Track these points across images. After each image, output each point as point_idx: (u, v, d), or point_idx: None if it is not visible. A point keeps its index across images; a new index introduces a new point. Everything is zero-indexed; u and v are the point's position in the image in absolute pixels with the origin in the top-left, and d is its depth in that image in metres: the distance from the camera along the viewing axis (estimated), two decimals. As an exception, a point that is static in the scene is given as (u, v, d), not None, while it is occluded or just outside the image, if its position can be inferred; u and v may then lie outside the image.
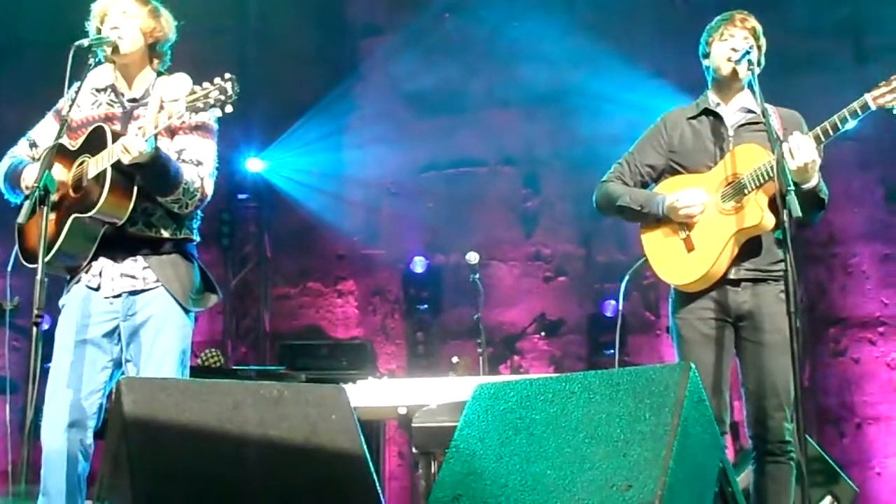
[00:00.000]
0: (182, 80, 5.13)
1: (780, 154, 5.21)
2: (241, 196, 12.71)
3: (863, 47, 11.19)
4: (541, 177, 12.40)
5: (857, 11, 11.27)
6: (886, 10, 10.90)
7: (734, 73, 5.75)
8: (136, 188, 5.14)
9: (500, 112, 12.30)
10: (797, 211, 4.97)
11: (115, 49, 5.39)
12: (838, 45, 11.23)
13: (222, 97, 4.94)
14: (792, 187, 5.05)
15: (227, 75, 4.96)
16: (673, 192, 5.78)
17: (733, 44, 5.73)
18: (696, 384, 4.23)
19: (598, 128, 11.31)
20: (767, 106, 5.51)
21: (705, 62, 5.92)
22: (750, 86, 5.65)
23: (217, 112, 5.04)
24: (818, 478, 7.39)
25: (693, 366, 4.25)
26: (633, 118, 10.44)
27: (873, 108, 5.29)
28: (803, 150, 5.29)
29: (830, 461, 7.63)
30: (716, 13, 5.97)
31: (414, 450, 6.62)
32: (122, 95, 5.52)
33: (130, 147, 4.93)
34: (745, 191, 5.53)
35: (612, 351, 10.97)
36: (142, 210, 5.28)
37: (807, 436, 5.56)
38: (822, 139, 5.36)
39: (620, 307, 8.25)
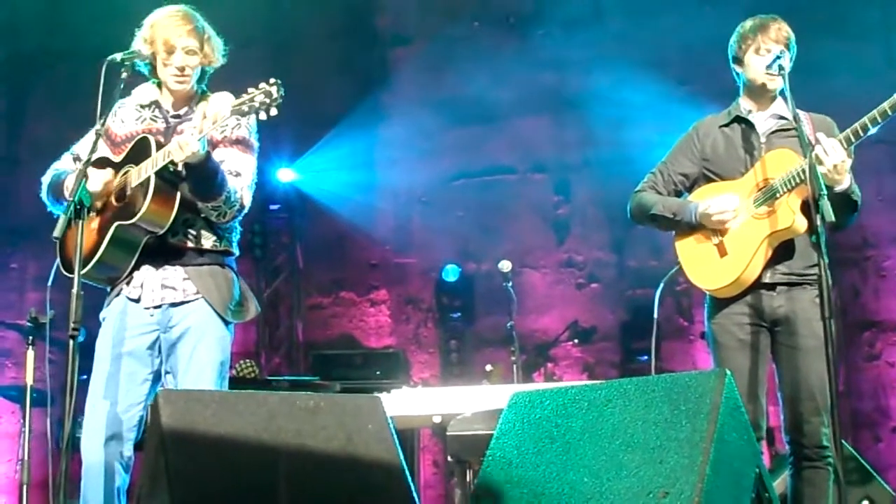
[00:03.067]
0: (225, 97, 5.17)
1: (812, 159, 5.19)
2: (272, 207, 12.71)
3: (893, 49, 11.14)
4: (572, 183, 12.40)
5: (887, 12, 11.21)
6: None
7: (771, 85, 5.75)
8: (178, 196, 5.19)
9: (530, 119, 12.30)
10: (830, 216, 4.96)
11: (173, 83, 5.47)
12: (868, 47, 11.17)
13: (267, 101, 4.98)
14: (825, 192, 5.03)
15: (272, 80, 5.02)
16: (705, 199, 5.78)
17: (771, 60, 5.68)
18: (731, 390, 4.23)
19: (628, 134, 11.33)
20: (799, 112, 5.50)
21: (737, 68, 5.89)
22: (782, 92, 5.64)
23: (262, 116, 5.06)
24: (854, 480, 7.36)
25: (729, 372, 4.26)
26: (661, 124, 10.47)
27: None
28: (832, 153, 5.27)
29: (866, 464, 7.60)
30: (742, 19, 5.94)
31: (449, 458, 6.63)
32: (167, 112, 5.56)
33: (185, 146, 4.98)
34: (777, 195, 5.51)
35: (646, 357, 10.98)
36: (182, 221, 5.33)
37: (842, 440, 5.52)
38: (853, 140, 5.34)
39: (656, 314, 8.24)
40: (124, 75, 5.34)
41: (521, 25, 12.60)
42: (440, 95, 12.24)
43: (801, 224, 5.47)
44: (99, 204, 5.28)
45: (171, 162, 5.07)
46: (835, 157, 5.28)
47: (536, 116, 12.27)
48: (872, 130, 5.32)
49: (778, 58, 5.58)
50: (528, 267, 12.08)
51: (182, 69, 5.43)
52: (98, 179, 5.26)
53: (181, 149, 4.98)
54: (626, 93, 11.42)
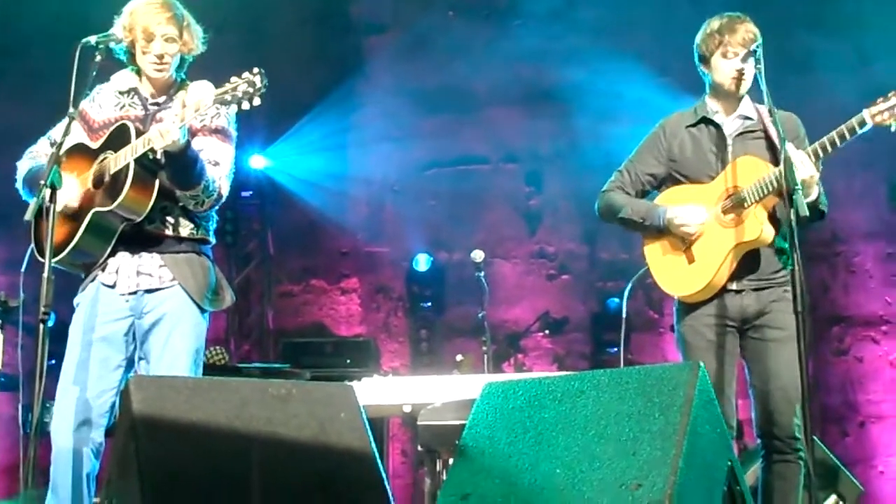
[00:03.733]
0: (205, 86, 5.14)
1: (787, 153, 5.20)
2: (244, 193, 12.64)
3: (865, 46, 11.16)
4: (544, 175, 12.41)
5: (860, 9, 11.23)
6: (889, 8, 10.88)
7: (738, 87, 5.75)
8: (157, 184, 5.18)
9: (503, 110, 12.29)
10: (804, 210, 4.98)
11: (152, 70, 5.45)
12: (840, 44, 11.19)
13: (250, 90, 4.99)
14: (799, 186, 5.05)
15: (256, 69, 5.02)
16: (673, 206, 5.81)
17: (737, 65, 5.69)
18: (705, 383, 4.25)
19: (601, 125, 11.33)
20: (763, 108, 5.59)
21: (703, 68, 5.87)
22: (755, 86, 5.63)
23: (245, 105, 5.04)
24: (823, 477, 7.38)
25: (702, 365, 4.27)
26: (636, 115, 10.44)
27: (870, 124, 5.27)
28: (801, 167, 5.28)
29: (835, 460, 7.63)
30: (722, 8, 5.93)
31: (419, 448, 6.63)
32: (146, 99, 5.54)
33: (165, 134, 4.97)
34: (745, 204, 5.56)
35: (616, 349, 11.00)
36: (160, 209, 5.31)
37: (814, 436, 5.55)
38: (821, 154, 5.36)
39: (624, 311, 8.29)
40: (98, 59, 5.30)
41: (497, 15, 12.58)
42: (414, 84, 12.23)
43: (769, 234, 5.55)
44: (77, 194, 5.24)
45: (151, 149, 5.06)
46: (803, 172, 5.28)
47: (510, 107, 12.26)
48: (840, 146, 5.33)
49: (755, 51, 5.56)
50: (499, 257, 12.07)
51: (161, 57, 5.41)
52: (67, 197, 5.22)
53: (162, 136, 4.97)
54: (602, 84, 11.42)
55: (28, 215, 4.92)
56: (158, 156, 5.12)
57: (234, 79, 5.01)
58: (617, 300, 11.45)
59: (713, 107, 5.88)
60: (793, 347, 5.15)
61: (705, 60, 5.83)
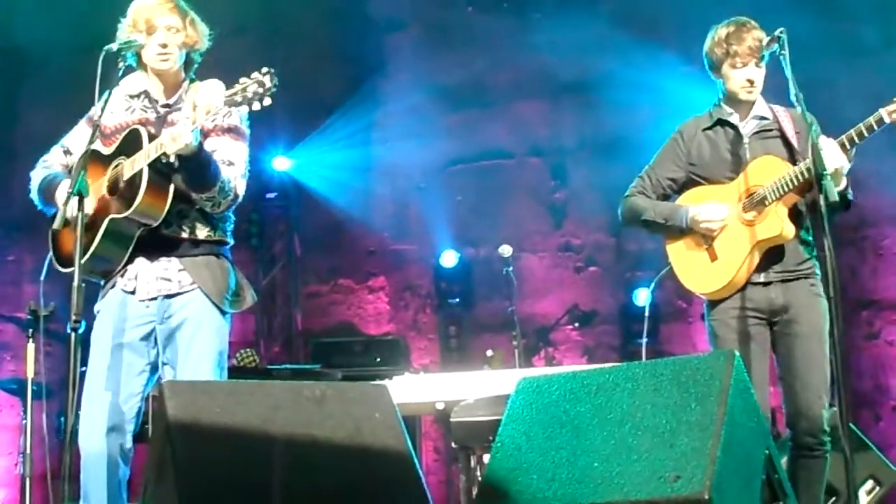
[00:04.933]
0: (215, 85, 5.13)
1: (815, 138, 5.21)
2: (269, 195, 12.70)
3: (891, 30, 11.11)
4: (568, 167, 12.38)
5: None
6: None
7: (750, 95, 5.85)
8: (172, 188, 5.16)
9: (526, 103, 12.29)
10: (833, 195, 5.02)
11: (156, 63, 5.42)
12: (865, 28, 11.14)
13: (261, 90, 4.95)
14: (827, 171, 5.08)
15: (265, 69, 4.99)
16: (696, 205, 5.89)
17: (748, 75, 5.79)
18: (741, 372, 4.24)
19: (625, 116, 11.33)
20: (779, 108, 5.70)
21: (714, 75, 5.97)
22: (780, 67, 5.63)
23: (256, 106, 5.03)
24: (859, 462, 7.36)
25: (737, 354, 4.26)
26: (659, 106, 10.47)
27: (888, 122, 5.36)
28: (832, 156, 5.32)
29: (871, 445, 7.60)
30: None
31: (453, 445, 6.61)
32: (156, 101, 5.52)
33: (178, 137, 4.95)
34: (766, 202, 5.65)
35: (646, 340, 10.98)
36: (177, 212, 5.30)
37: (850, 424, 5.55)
38: (848, 145, 5.44)
39: (647, 312, 8.31)
40: (121, 66, 5.30)
41: (516, 8, 12.56)
42: (436, 81, 12.21)
43: (790, 231, 5.63)
44: (91, 201, 5.23)
45: (164, 154, 5.03)
46: (834, 162, 5.31)
47: (532, 100, 12.26)
48: (860, 142, 5.37)
49: (779, 38, 5.56)
50: (526, 251, 12.04)
51: (164, 46, 5.38)
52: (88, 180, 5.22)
53: (174, 140, 4.96)
54: (624, 74, 11.39)
55: (56, 224, 4.95)
56: (172, 159, 5.09)
57: (243, 79, 4.99)
58: (645, 290, 11.50)
59: (728, 110, 5.95)
60: (819, 342, 5.39)
61: (715, 69, 5.93)
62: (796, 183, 5.49)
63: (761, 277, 5.71)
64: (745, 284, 5.73)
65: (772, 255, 5.71)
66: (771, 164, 5.69)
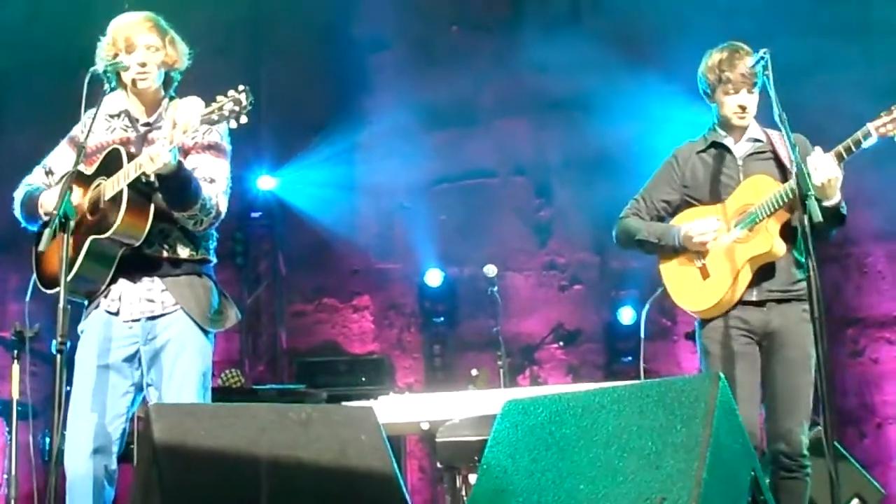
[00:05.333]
0: (194, 102, 5.14)
1: (798, 158, 5.24)
2: (253, 214, 12.68)
3: (871, 48, 11.16)
4: (553, 186, 12.41)
5: (866, 10, 11.24)
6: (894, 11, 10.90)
7: (742, 120, 5.92)
8: (152, 207, 5.15)
9: (511, 122, 12.32)
10: (818, 216, 5.02)
11: (134, 82, 5.41)
12: (846, 46, 11.18)
13: (237, 108, 4.95)
14: (811, 191, 5.09)
15: (241, 87, 4.98)
16: (687, 223, 5.94)
17: (740, 101, 5.86)
18: (726, 394, 4.24)
19: (609, 135, 11.37)
20: (772, 132, 5.71)
21: (708, 101, 6.04)
22: (764, 88, 5.67)
23: (233, 124, 5.04)
24: (844, 481, 7.37)
25: (722, 376, 4.26)
26: (643, 125, 10.51)
27: (874, 137, 5.43)
28: (824, 168, 5.36)
29: (855, 463, 7.62)
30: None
31: (439, 465, 6.62)
32: (137, 121, 5.51)
33: (156, 157, 4.94)
34: (757, 219, 5.70)
35: (631, 358, 10.99)
36: (158, 231, 5.28)
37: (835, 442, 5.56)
38: (845, 156, 5.49)
39: (642, 333, 8.32)
40: (106, 87, 5.31)
41: (500, 27, 12.61)
42: (420, 100, 12.22)
43: (780, 248, 5.68)
44: (72, 221, 5.22)
45: (143, 174, 5.03)
46: (827, 173, 5.36)
47: (516, 119, 12.29)
48: (865, 145, 5.40)
49: (762, 58, 5.59)
50: (510, 270, 12.04)
51: (143, 64, 5.37)
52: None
53: (152, 161, 4.95)
54: (607, 93, 11.42)
55: (42, 246, 4.91)
56: (151, 179, 5.09)
57: (220, 98, 4.99)
58: (623, 310, 11.54)
59: (722, 133, 6.02)
60: (806, 370, 5.45)
61: (709, 94, 5.99)
62: (786, 200, 5.53)
63: (753, 295, 5.74)
64: (736, 303, 5.76)
65: (764, 273, 5.75)
66: (762, 182, 5.75)
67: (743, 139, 5.95)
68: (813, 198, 5.07)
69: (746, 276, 5.72)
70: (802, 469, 5.61)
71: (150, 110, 5.54)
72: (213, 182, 5.36)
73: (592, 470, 4.24)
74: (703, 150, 6.03)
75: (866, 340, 11.26)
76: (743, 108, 5.83)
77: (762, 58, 5.60)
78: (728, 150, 5.95)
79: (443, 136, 12.29)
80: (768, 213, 5.62)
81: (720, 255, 5.81)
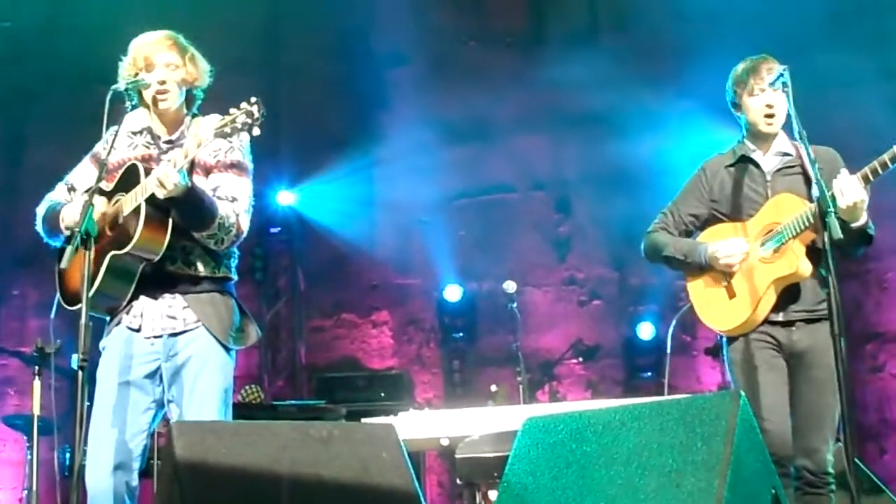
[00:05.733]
0: (214, 120, 5.13)
1: (818, 176, 5.22)
2: (272, 230, 12.74)
3: (889, 62, 11.15)
4: (572, 201, 12.43)
5: (882, 25, 11.23)
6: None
7: (771, 129, 5.84)
8: (171, 222, 5.14)
9: (529, 137, 12.34)
10: (838, 233, 4.98)
11: (155, 101, 5.40)
12: (863, 61, 11.17)
13: (249, 120, 4.92)
14: (832, 209, 5.07)
15: (253, 99, 4.94)
16: (714, 242, 5.88)
17: (766, 100, 5.79)
18: (746, 412, 4.23)
19: (627, 150, 11.36)
20: (801, 145, 5.60)
21: (736, 112, 5.98)
22: (788, 118, 5.66)
23: (245, 136, 5.05)
24: (864, 496, 7.35)
25: (742, 393, 4.26)
26: (660, 140, 10.51)
27: None
28: (850, 191, 5.32)
29: (876, 479, 7.59)
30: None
31: (458, 481, 6.62)
32: (159, 138, 5.49)
33: (165, 180, 4.92)
34: (783, 239, 5.62)
35: (650, 374, 10.99)
36: (180, 248, 5.27)
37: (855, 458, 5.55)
38: (871, 178, 5.40)
39: (669, 349, 8.29)
40: (127, 104, 5.33)
41: (518, 43, 12.64)
42: (438, 115, 12.25)
43: (806, 269, 5.59)
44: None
45: (153, 196, 5.03)
46: (854, 196, 5.32)
47: (535, 134, 12.30)
48: (893, 167, 5.36)
49: (781, 75, 5.59)
50: (530, 285, 12.06)
51: (163, 82, 5.36)
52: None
53: (162, 184, 4.92)
54: (625, 109, 11.45)
55: (64, 263, 4.91)
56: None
57: (232, 110, 4.96)
58: (642, 325, 11.53)
59: (750, 146, 5.94)
60: (832, 388, 5.26)
61: (737, 105, 5.94)
62: (812, 220, 5.43)
63: (780, 317, 5.68)
64: (765, 321, 5.69)
65: (790, 293, 5.68)
66: (789, 201, 5.68)
67: (771, 153, 5.89)
68: (833, 215, 5.04)
69: (771, 297, 5.66)
70: (827, 486, 5.55)
71: (173, 128, 5.52)
72: (235, 201, 5.33)
73: (613, 488, 4.24)
74: (732, 165, 5.97)
75: (886, 356, 11.24)
76: (770, 107, 5.76)
77: (781, 74, 5.60)
78: (756, 164, 5.89)
79: (461, 151, 12.31)
80: (795, 233, 5.55)
81: (746, 275, 5.76)
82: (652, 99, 11.31)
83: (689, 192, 6.12)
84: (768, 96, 5.76)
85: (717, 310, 5.88)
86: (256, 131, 4.97)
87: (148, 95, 5.42)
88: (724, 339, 5.92)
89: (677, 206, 6.13)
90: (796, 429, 5.63)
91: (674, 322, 8.21)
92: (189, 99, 5.56)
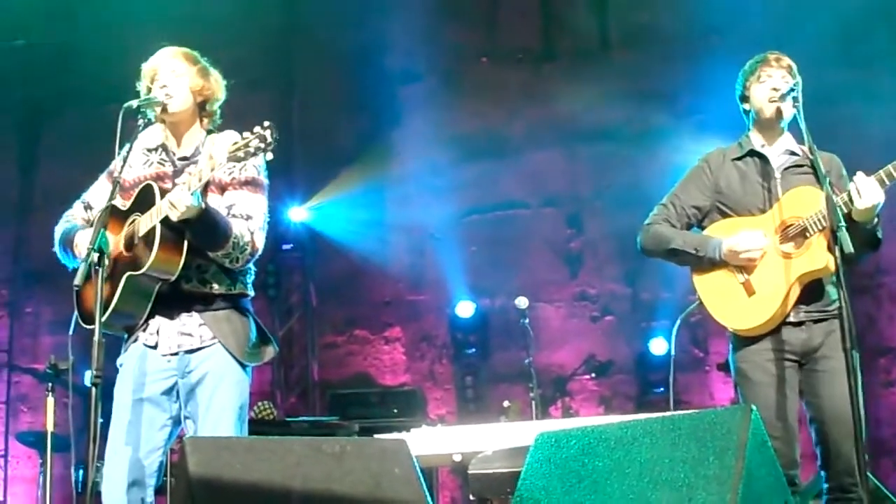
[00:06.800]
0: (230, 137, 5.14)
1: (829, 191, 5.20)
2: (285, 246, 12.75)
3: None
4: (583, 217, 12.42)
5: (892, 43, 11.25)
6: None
7: (778, 112, 5.70)
8: (186, 243, 5.15)
9: (541, 154, 12.34)
10: (849, 247, 4.95)
11: (164, 108, 5.40)
12: (875, 77, 11.18)
13: (262, 145, 4.91)
14: (843, 224, 5.03)
15: (266, 123, 4.92)
16: (729, 236, 5.70)
17: (773, 84, 5.69)
18: (758, 426, 4.23)
19: (639, 166, 11.35)
20: (807, 148, 5.55)
21: (744, 105, 5.88)
22: (795, 123, 5.62)
23: (259, 160, 5.06)
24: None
25: (754, 408, 4.25)
26: (672, 155, 10.50)
27: None
28: (868, 192, 5.27)
29: (890, 495, 7.57)
30: (750, 48, 5.95)
31: (471, 497, 6.61)
32: (173, 154, 5.51)
33: (177, 202, 4.94)
34: (808, 234, 5.48)
35: (663, 389, 10.97)
36: (196, 266, 5.28)
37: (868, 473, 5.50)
38: (886, 182, 5.34)
39: (672, 350, 8.24)
40: (140, 122, 5.34)
41: (530, 59, 12.66)
42: (450, 131, 12.27)
43: (833, 264, 5.33)
44: (109, 257, 5.22)
45: (167, 218, 5.05)
46: (872, 198, 5.29)
47: (547, 150, 12.31)
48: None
49: (793, 89, 5.58)
50: (542, 301, 12.04)
51: (165, 85, 5.38)
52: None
53: (175, 207, 4.94)
54: (636, 124, 11.47)
55: (77, 280, 4.92)
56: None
57: (245, 134, 4.96)
58: (654, 341, 11.53)
59: (758, 140, 5.83)
60: (847, 379, 5.09)
61: (745, 98, 5.86)
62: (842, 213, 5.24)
63: (791, 317, 5.54)
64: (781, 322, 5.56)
65: (810, 292, 5.55)
66: (808, 194, 5.53)
67: (779, 149, 5.79)
68: (844, 229, 5.02)
69: (796, 292, 5.50)
70: (857, 488, 5.30)
71: (188, 145, 5.54)
72: (250, 218, 5.34)
73: (625, 502, 4.25)
74: (739, 158, 5.86)
75: (899, 370, 11.23)
76: (775, 90, 5.65)
77: (793, 88, 5.59)
78: (765, 159, 5.79)
79: (474, 167, 12.33)
80: (821, 227, 5.40)
81: (767, 270, 5.59)
82: (663, 114, 11.33)
83: (691, 184, 5.96)
84: (776, 80, 5.68)
85: (735, 307, 5.69)
86: (269, 155, 4.97)
87: (158, 109, 5.43)
88: (731, 346, 5.77)
89: (678, 198, 5.96)
90: (819, 431, 5.48)
91: (678, 322, 8.12)
92: (204, 114, 5.57)
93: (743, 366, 5.68)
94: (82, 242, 5.30)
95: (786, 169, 5.76)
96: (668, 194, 6.03)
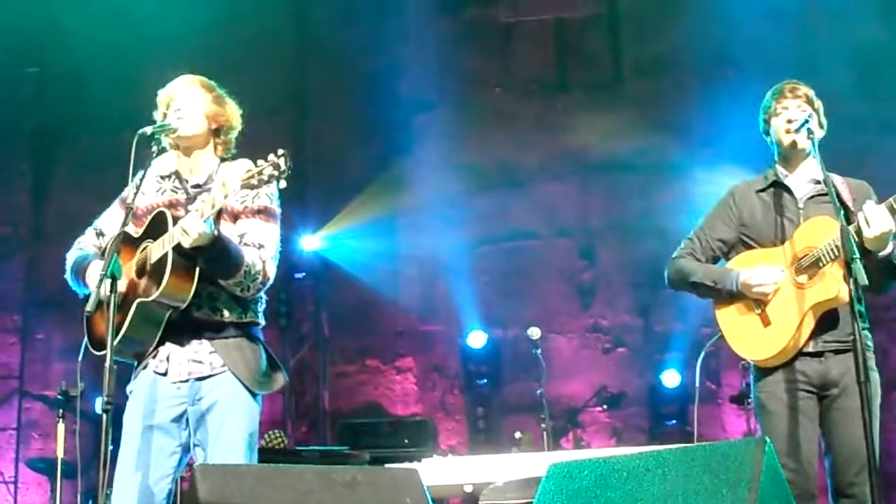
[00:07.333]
0: (244, 165, 5.13)
1: (843, 221, 5.17)
2: (297, 275, 12.76)
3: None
4: (596, 248, 12.41)
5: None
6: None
7: (794, 144, 5.72)
8: (197, 270, 5.14)
9: (554, 184, 12.35)
10: (864, 279, 4.92)
11: (177, 131, 5.42)
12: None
13: (276, 173, 4.90)
14: (857, 255, 5.01)
15: (280, 151, 4.91)
16: (746, 269, 5.72)
17: (788, 115, 5.71)
18: (772, 458, 4.20)
19: (652, 197, 11.37)
20: (836, 176, 5.56)
21: (767, 139, 5.90)
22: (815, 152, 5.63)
23: (272, 188, 5.05)
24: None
25: (768, 440, 4.22)
26: (685, 186, 10.49)
27: None
28: (877, 220, 5.25)
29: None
30: (765, 79, 5.95)
31: (481, 527, 6.58)
32: (186, 182, 5.50)
33: (190, 229, 4.93)
34: (821, 263, 5.46)
35: (675, 422, 10.93)
36: (207, 294, 5.27)
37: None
38: (889, 213, 5.32)
39: (697, 382, 8.21)
40: (154, 149, 5.33)
41: (543, 91, 12.68)
42: (463, 161, 12.28)
43: (846, 294, 5.30)
44: (121, 283, 5.21)
45: (179, 245, 5.05)
46: (881, 226, 5.26)
47: (560, 181, 12.32)
48: None
49: (806, 122, 5.58)
50: (554, 332, 12.02)
51: (178, 109, 5.40)
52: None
53: (187, 234, 4.94)
54: (649, 156, 11.46)
55: (90, 307, 4.92)
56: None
57: (259, 162, 4.96)
58: (667, 373, 11.49)
59: (782, 171, 5.84)
60: (872, 417, 5.07)
61: (766, 130, 5.88)
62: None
63: (811, 347, 5.52)
64: (798, 353, 5.54)
65: (825, 321, 5.53)
66: (823, 224, 5.53)
67: (803, 178, 5.79)
68: (858, 261, 5.00)
69: (810, 323, 5.50)
70: None
71: (201, 172, 5.54)
72: (262, 247, 5.33)
73: (638, 534, 4.22)
74: (763, 190, 5.87)
75: (913, 405, 11.16)
76: (791, 122, 5.68)
77: (806, 120, 5.59)
78: (789, 191, 5.79)
79: (486, 197, 12.33)
80: (833, 256, 5.38)
81: (782, 301, 5.60)
82: (676, 146, 11.32)
83: (716, 217, 5.99)
84: (790, 112, 5.71)
85: (751, 339, 5.71)
86: (283, 184, 4.96)
87: (172, 134, 5.44)
88: (753, 377, 5.78)
89: (704, 232, 6.00)
90: (834, 464, 5.49)
91: (702, 353, 8.05)
92: (218, 142, 5.57)
93: (761, 396, 5.69)
94: (94, 273, 5.28)
95: (810, 198, 5.75)
96: (695, 227, 6.08)
